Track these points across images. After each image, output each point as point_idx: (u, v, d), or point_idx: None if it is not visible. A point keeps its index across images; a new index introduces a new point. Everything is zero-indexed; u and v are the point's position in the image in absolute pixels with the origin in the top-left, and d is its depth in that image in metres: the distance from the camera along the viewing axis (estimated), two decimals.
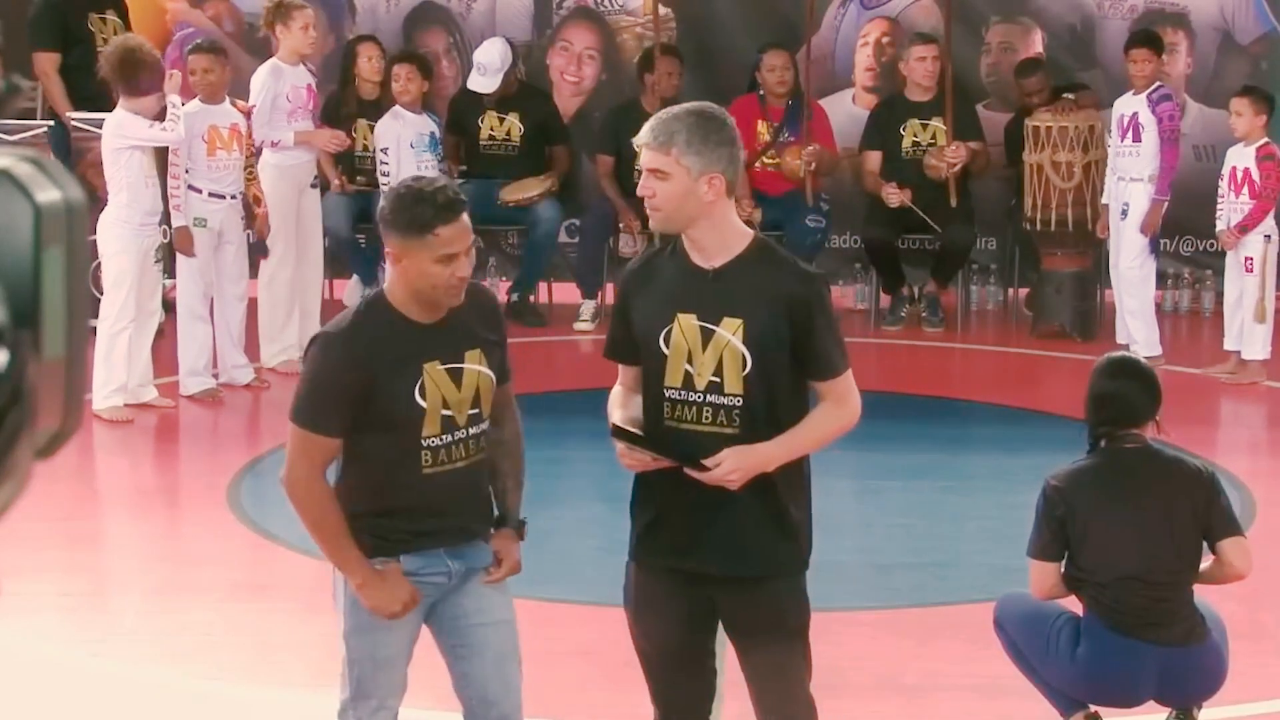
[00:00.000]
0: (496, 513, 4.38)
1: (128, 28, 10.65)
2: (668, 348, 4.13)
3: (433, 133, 10.39)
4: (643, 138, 4.10)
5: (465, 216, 4.10)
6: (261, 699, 5.75)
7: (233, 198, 9.18)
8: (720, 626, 4.30)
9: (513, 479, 4.40)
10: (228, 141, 9.11)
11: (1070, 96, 10.52)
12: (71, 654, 6.08)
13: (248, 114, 9.33)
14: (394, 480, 4.17)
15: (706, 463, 4.03)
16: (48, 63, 10.39)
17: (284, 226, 9.63)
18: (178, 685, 5.80)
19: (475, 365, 4.20)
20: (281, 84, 9.61)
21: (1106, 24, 11.41)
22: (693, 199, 4.05)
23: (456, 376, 4.17)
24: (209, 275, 9.18)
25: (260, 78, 9.59)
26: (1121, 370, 5.03)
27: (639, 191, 4.17)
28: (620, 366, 4.32)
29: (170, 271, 10.68)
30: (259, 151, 9.49)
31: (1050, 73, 10.98)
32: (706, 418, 4.10)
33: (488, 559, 4.31)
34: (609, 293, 11.31)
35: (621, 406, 4.24)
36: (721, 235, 4.12)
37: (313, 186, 9.87)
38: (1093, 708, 5.04)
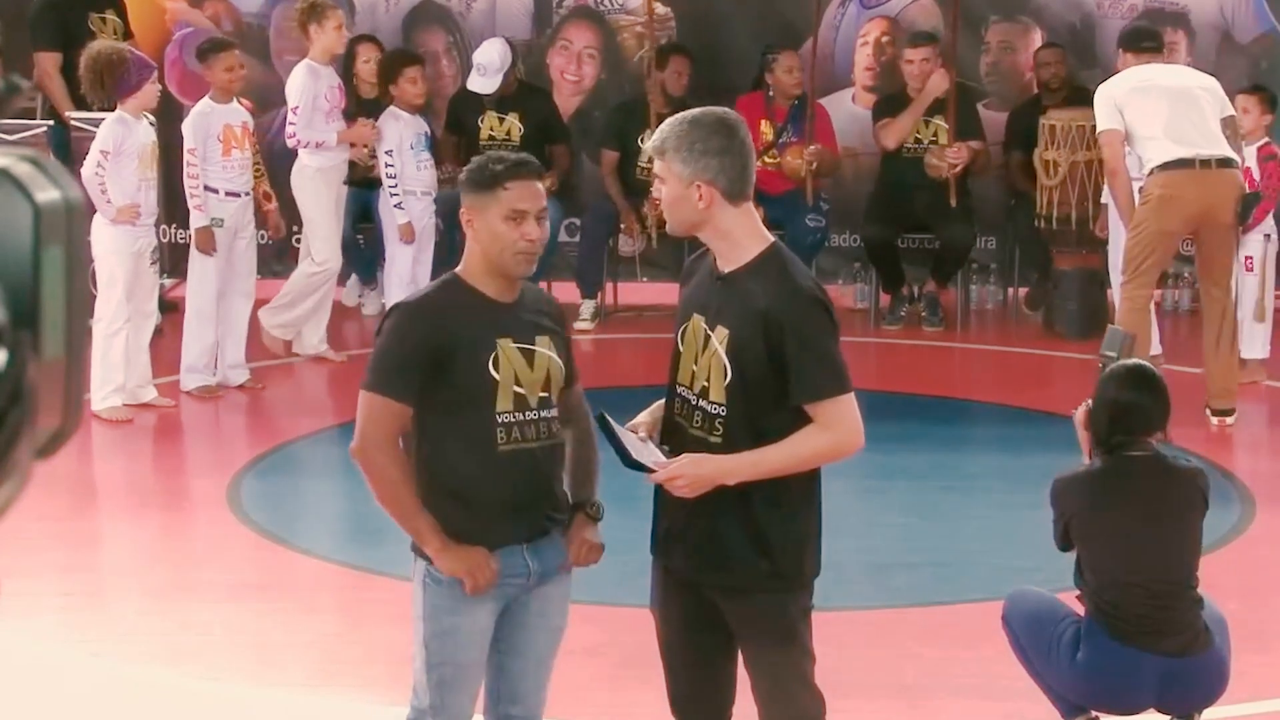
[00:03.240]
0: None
1: (126, 27, 10.66)
2: (682, 345, 4.16)
3: (427, 133, 10.39)
4: (649, 142, 4.17)
5: (538, 182, 4.19)
6: (261, 699, 5.74)
7: (245, 195, 9.25)
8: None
9: (586, 468, 4.37)
10: (240, 140, 9.18)
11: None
12: (71, 654, 6.07)
13: (252, 111, 9.38)
14: (471, 459, 4.13)
15: (655, 466, 4.05)
16: (48, 62, 10.40)
17: (335, 224, 9.83)
18: (178, 685, 5.80)
19: (546, 350, 4.22)
20: (320, 84, 9.68)
21: (1106, 24, 11.40)
22: (687, 205, 4.07)
23: (529, 357, 4.19)
24: (224, 274, 9.22)
25: (299, 79, 9.62)
26: (1136, 381, 5.00)
27: (653, 192, 4.23)
28: None
29: (172, 272, 10.73)
30: (294, 153, 9.61)
31: (1064, 58, 10.98)
32: (697, 421, 4.12)
33: (563, 558, 4.29)
34: (609, 292, 11.33)
35: None
36: (730, 242, 4.11)
37: (345, 184, 9.97)
38: (1093, 711, 5.04)
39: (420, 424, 4.16)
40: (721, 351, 4.05)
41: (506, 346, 4.15)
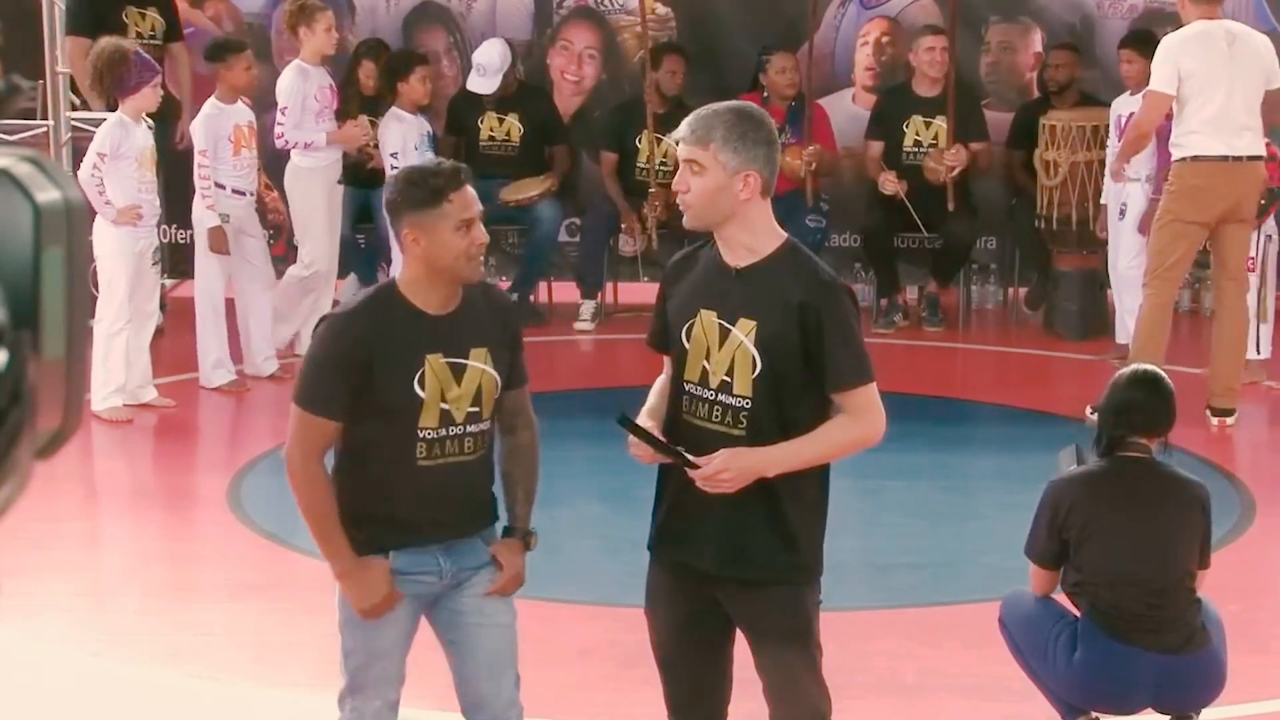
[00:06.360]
0: (505, 523, 4.39)
1: (171, 26, 10.63)
2: (689, 342, 4.14)
3: (431, 132, 10.41)
4: (680, 132, 4.10)
5: (471, 188, 4.17)
6: (261, 699, 5.74)
7: (250, 194, 9.36)
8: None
9: (524, 488, 4.40)
10: (248, 139, 9.29)
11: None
12: (71, 654, 6.07)
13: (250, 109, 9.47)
14: (390, 472, 4.18)
15: (699, 460, 4.03)
16: (75, 48, 10.34)
17: (327, 225, 9.84)
18: (178, 685, 5.80)
19: (479, 364, 4.20)
20: (309, 85, 9.71)
21: (1106, 24, 11.40)
22: (726, 196, 4.05)
23: (458, 372, 4.18)
24: (237, 271, 9.32)
25: (289, 80, 9.67)
26: (1143, 381, 5.04)
27: (674, 185, 4.15)
28: (664, 357, 4.31)
29: (172, 273, 10.73)
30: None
31: (1078, 61, 10.94)
32: (716, 416, 4.10)
33: (484, 558, 4.30)
34: (609, 292, 11.34)
35: (660, 396, 4.26)
36: (752, 235, 4.10)
37: (339, 183, 9.98)
38: (1093, 713, 5.04)
39: (345, 440, 4.20)
40: (749, 344, 4.04)
41: (435, 363, 4.15)
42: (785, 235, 4.17)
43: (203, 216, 9.16)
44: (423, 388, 4.13)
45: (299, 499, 4.24)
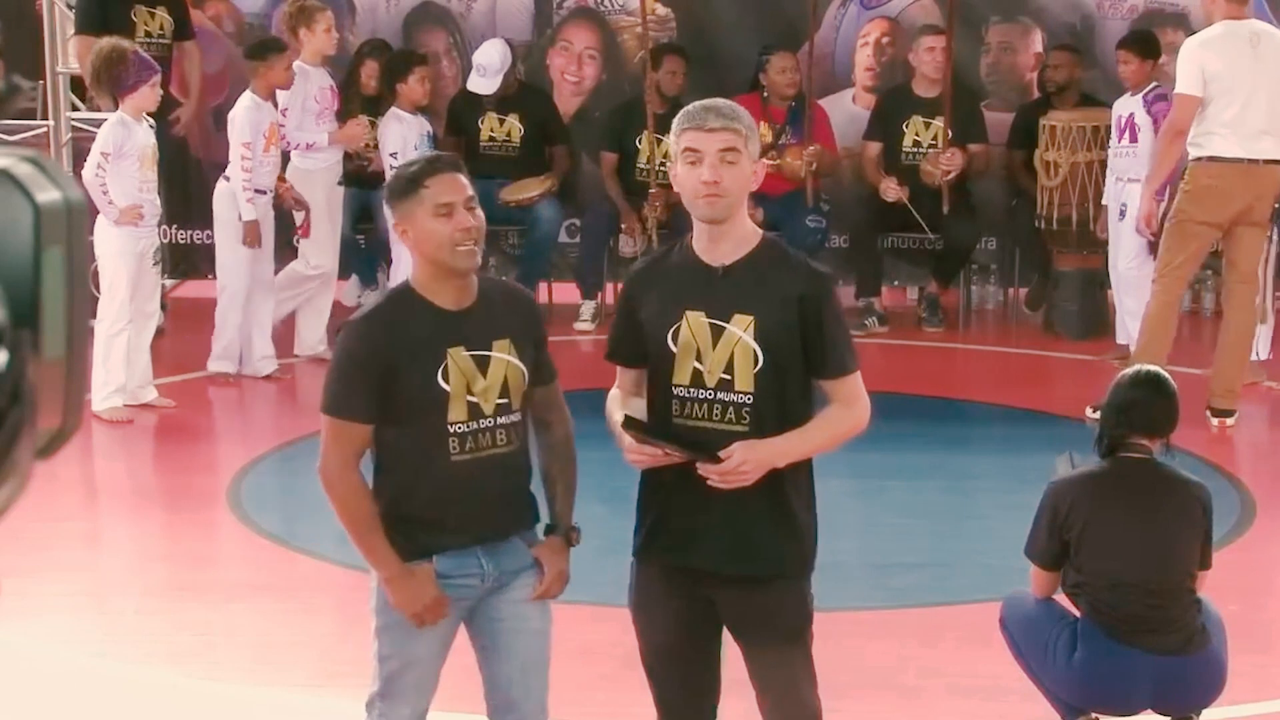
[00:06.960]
0: (546, 520, 4.34)
1: (181, 25, 10.63)
2: (675, 345, 4.11)
3: (431, 132, 10.41)
4: (710, 121, 4.04)
5: (459, 175, 4.13)
6: (261, 699, 5.74)
7: (270, 192, 9.41)
8: (725, 629, 4.29)
9: (563, 484, 4.35)
10: (275, 138, 9.37)
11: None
12: (72, 654, 6.08)
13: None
14: (424, 471, 4.14)
15: (720, 454, 4.02)
16: (84, 47, 10.36)
17: (328, 226, 9.89)
18: (178, 685, 5.80)
19: (504, 355, 4.17)
20: (309, 86, 9.74)
21: (1106, 24, 11.41)
22: (747, 188, 4.09)
23: (483, 364, 4.14)
24: (252, 267, 9.39)
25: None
26: (1145, 381, 5.06)
27: (705, 178, 4.01)
28: (619, 369, 4.29)
29: (174, 273, 10.74)
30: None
31: (1078, 62, 10.94)
32: (716, 415, 4.09)
33: (525, 560, 4.26)
34: (609, 293, 11.32)
35: (620, 409, 4.20)
36: (744, 230, 4.12)
37: (339, 184, 9.99)
38: (1093, 713, 5.04)
39: (377, 447, 4.18)
40: (749, 339, 4.05)
41: (457, 355, 4.11)
42: (762, 232, 4.19)
43: (243, 210, 9.20)
44: (447, 380, 4.10)
45: (338, 508, 4.18)
